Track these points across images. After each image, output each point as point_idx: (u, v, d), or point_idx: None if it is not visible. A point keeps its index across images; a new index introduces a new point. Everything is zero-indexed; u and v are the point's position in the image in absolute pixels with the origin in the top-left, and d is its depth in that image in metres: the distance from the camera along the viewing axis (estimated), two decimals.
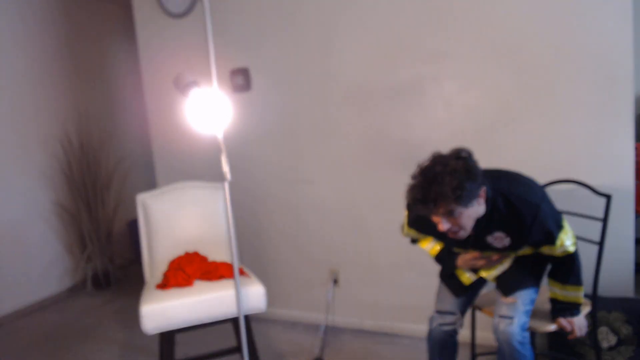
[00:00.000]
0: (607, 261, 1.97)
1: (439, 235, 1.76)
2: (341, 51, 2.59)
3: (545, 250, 1.68)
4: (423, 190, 1.48)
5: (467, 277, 1.86)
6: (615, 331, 2.06)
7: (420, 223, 1.77)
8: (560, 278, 1.72)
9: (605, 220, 1.89)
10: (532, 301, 1.73)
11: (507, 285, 1.75)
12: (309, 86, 2.70)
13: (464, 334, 1.97)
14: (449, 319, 1.85)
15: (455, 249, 1.82)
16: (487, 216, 1.59)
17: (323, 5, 2.59)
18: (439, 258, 1.88)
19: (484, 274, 1.82)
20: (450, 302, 1.88)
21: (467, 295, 1.90)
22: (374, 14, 2.48)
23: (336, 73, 2.62)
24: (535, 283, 1.77)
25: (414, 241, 1.97)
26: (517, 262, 1.78)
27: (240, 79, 2.84)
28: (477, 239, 1.68)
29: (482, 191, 1.53)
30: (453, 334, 1.86)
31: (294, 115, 2.77)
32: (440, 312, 1.87)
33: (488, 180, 1.57)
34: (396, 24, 2.44)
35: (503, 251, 1.70)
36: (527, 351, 1.63)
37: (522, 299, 1.71)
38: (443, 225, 1.52)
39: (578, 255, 1.71)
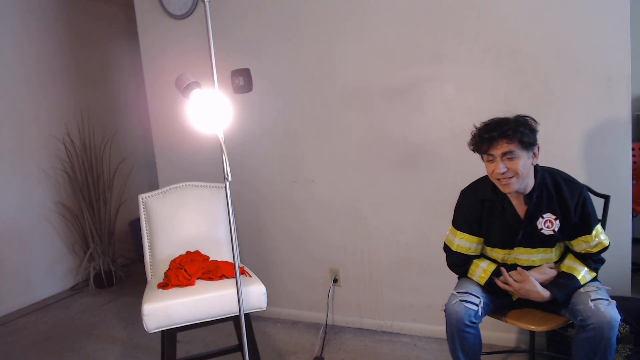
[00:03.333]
0: (605, 260, 1.98)
1: (492, 228, 1.79)
2: (342, 52, 2.61)
3: (580, 244, 1.75)
4: (490, 127, 1.67)
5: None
6: None
7: (470, 217, 1.82)
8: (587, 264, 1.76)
9: (603, 221, 1.91)
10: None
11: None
12: (310, 87, 2.72)
13: None
14: (471, 298, 1.71)
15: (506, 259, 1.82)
16: (537, 192, 1.72)
17: (324, 7, 2.61)
18: (490, 282, 1.80)
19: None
20: (475, 290, 1.77)
21: (493, 300, 1.81)
22: (374, 16, 2.49)
23: (337, 74, 2.64)
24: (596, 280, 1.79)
25: (463, 272, 1.88)
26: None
27: (242, 80, 2.86)
28: (529, 223, 1.73)
29: (537, 148, 1.70)
30: (475, 320, 1.69)
31: (295, 116, 2.79)
32: (461, 292, 1.75)
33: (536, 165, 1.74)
34: (396, 25, 2.46)
35: (551, 243, 1.74)
36: None
37: (601, 288, 1.69)
38: (500, 168, 1.64)
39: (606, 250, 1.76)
